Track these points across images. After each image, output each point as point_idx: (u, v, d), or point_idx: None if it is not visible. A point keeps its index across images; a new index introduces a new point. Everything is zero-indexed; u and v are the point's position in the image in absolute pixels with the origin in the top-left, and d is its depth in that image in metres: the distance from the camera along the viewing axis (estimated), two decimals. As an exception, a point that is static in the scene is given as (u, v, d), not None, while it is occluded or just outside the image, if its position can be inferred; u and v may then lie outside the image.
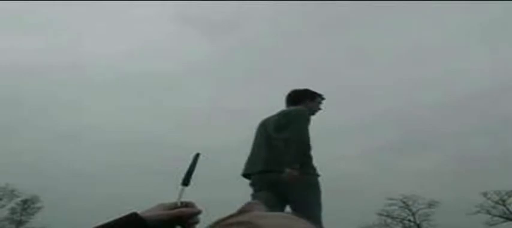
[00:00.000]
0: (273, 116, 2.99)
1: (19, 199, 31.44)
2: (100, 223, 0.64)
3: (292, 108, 2.96)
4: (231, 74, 57.82)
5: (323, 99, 3.19)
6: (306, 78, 55.47)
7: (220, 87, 56.99)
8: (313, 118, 3.00)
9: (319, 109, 3.14)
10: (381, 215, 32.60)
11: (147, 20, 61.60)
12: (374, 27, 54.67)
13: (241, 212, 0.49)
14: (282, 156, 2.62)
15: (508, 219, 28.56)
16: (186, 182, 0.79)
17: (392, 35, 53.73)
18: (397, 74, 50.76)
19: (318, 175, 2.75)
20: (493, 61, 47.43)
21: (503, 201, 29.01)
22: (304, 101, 3.05)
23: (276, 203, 2.60)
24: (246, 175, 2.89)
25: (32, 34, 52.41)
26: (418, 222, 32.40)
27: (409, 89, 49.12)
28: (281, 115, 2.90)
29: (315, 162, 2.82)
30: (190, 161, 0.82)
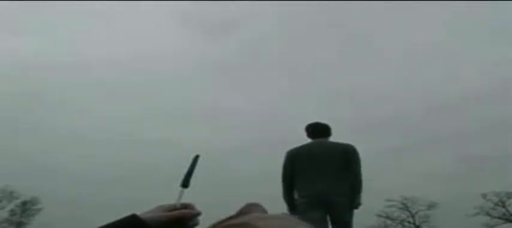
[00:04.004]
0: (329, 146, 3.54)
1: (19, 201, 31.40)
2: (100, 225, 0.64)
3: (351, 145, 3.52)
4: (232, 75, 57.85)
5: None
6: (307, 79, 55.51)
7: (220, 88, 56.99)
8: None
9: None
10: (380, 216, 32.62)
11: (147, 20, 61.70)
12: (376, 29, 54.75)
13: (240, 213, 0.49)
14: (345, 184, 3.35)
15: (508, 220, 28.53)
16: (185, 183, 0.79)
17: (394, 37, 53.82)
18: (397, 75, 50.83)
19: None
20: (493, 61, 47.46)
21: (503, 202, 28.99)
22: (331, 135, 3.73)
23: (325, 218, 3.24)
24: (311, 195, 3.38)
25: (33, 35, 52.46)
26: (417, 223, 32.40)
27: (409, 90, 49.17)
28: (344, 149, 3.47)
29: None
30: (189, 163, 0.82)
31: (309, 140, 3.68)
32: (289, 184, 3.53)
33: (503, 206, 28.98)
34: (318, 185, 3.31)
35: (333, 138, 3.75)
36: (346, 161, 3.39)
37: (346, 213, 3.26)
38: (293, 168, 3.50)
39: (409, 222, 32.79)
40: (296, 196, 3.47)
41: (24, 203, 31.45)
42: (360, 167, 3.44)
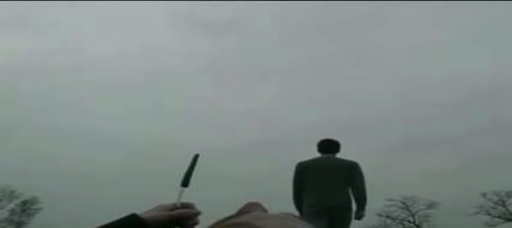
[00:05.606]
0: (336, 161, 3.91)
1: (18, 200, 31.41)
2: (100, 224, 0.64)
3: (355, 163, 3.89)
4: (232, 75, 57.86)
5: None
6: (307, 78, 55.55)
7: (220, 88, 57.00)
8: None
9: None
10: (380, 215, 32.60)
11: (147, 20, 61.70)
12: (375, 27, 54.73)
13: (240, 213, 0.49)
14: (346, 196, 3.76)
15: (508, 220, 28.56)
16: (185, 183, 0.79)
17: (394, 35, 53.79)
18: (396, 74, 50.83)
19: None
20: (493, 61, 47.44)
21: (503, 201, 29.02)
22: (339, 151, 4.07)
23: (327, 225, 3.59)
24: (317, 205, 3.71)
25: (33, 35, 52.46)
26: (417, 223, 32.44)
27: (409, 89, 49.16)
28: (349, 166, 3.85)
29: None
30: (189, 162, 0.82)
31: (317, 154, 4.03)
32: (299, 193, 3.88)
33: (504, 205, 29.03)
34: (323, 196, 3.68)
35: (336, 138, 4.14)
36: (350, 176, 3.78)
37: (345, 221, 3.69)
38: (302, 180, 3.85)
39: (409, 221, 32.84)
40: (304, 205, 3.80)
41: (24, 203, 31.44)
42: (363, 182, 3.80)
